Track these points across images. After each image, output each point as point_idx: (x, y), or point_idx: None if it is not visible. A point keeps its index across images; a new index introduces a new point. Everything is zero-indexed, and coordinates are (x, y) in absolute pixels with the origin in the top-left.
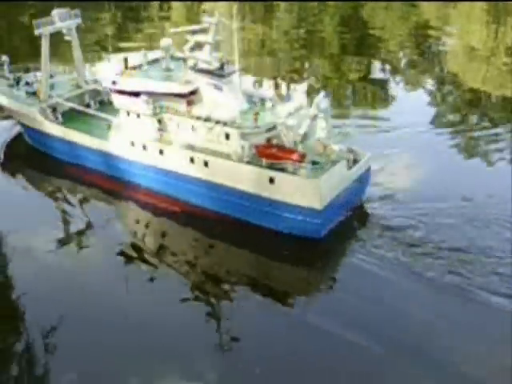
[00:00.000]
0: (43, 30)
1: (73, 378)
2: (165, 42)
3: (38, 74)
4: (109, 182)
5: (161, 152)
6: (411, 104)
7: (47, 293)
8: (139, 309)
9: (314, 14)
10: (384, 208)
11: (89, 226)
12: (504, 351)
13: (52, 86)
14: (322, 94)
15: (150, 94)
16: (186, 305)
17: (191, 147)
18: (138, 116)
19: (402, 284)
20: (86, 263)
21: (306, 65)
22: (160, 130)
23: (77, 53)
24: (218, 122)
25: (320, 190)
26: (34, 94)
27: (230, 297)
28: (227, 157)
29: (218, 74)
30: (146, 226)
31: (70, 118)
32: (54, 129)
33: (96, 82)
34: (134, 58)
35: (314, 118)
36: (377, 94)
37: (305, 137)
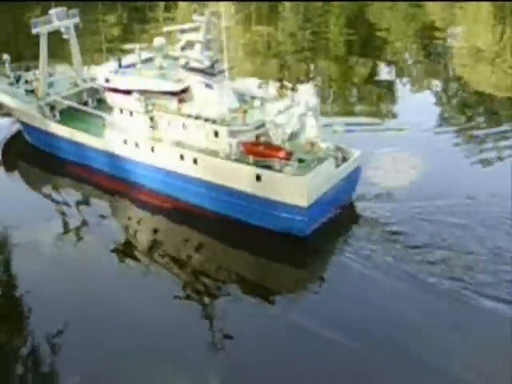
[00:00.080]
0: (40, 29)
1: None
2: (158, 41)
3: (38, 72)
4: (104, 180)
5: (152, 149)
6: (416, 104)
7: (50, 292)
8: (137, 308)
9: (319, 14)
10: (375, 207)
11: (83, 222)
12: (484, 350)
13: (51, 84)
14: (311, 91)
15: (141, 91)
16: (174, 303)
17: (181, 145)
18: (131, 114)
19: (388, 283)
20: (81, 261)
21: (312, 66)
22: (151, 127)
23: (75, 51)
24: (207, 120)
25: (306, 187)
26: (33, 91)
27: (217, 295)
28: (216, 154)
29: (209, 72)
30: (138, 223)
31: (67, 115)
32: (51, 126)
33: (94, 80)
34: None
35: (303, 116)
36: (382, 95)
37: (294, 135)
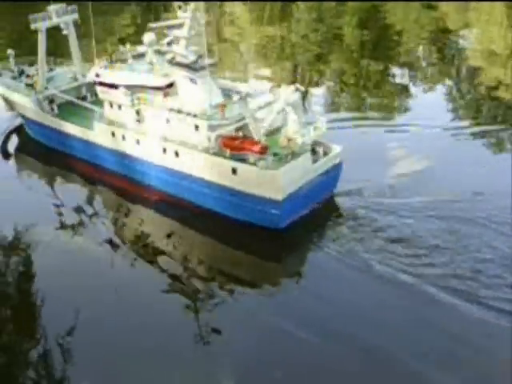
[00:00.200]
0: (39, 25)
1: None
2: (148, 36)
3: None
4: (94, 171)
5: (137, 142)
6: (428, 104)
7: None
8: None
9: (332, 14)
10: (355, 202)
11: (76, 216)
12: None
13: (51, 79)
14: (292, 88)
15: (129, 86)
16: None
17: (165, 138)
18: (119, 107)
19: (363, 280)
20: (75, 252)
21: (325, 67)
22: (138, 121)
23: (74, 47)
24: (188, 114)
25: (279, 181)
26: (32, 85)
27: (192, 289)
28: (196, 147)
29: (193, 67)
30: (126, 215)
31: (66, 109)
32: (47, 119)
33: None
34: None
35: (281, 111)
36: (395, 95)
37: (276, 130)
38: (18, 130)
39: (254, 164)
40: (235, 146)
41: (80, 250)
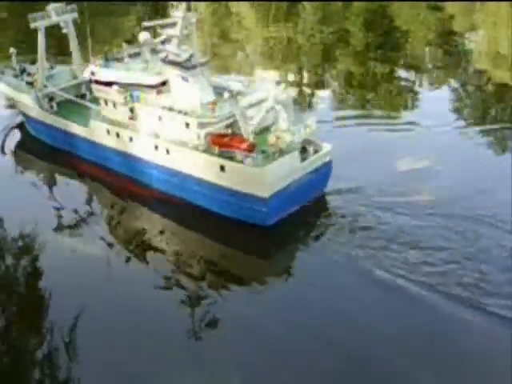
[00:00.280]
0: (38, 24)
1: None
2: (143, 35)
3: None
4: (91, 168)
5: (130, 139)
6: (433, 104)
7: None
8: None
9: (338, 14)
10: (347, 201)
11: (71, 213)
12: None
13: (52, 77)
14: (281, 86)
15: (123, 84)
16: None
17: (157, 135)
18: (114, 105)
19: (349, 280)
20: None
21: (331, 66)
22: (131, 118)
23: (73, 45)
24: (180, 112)
25: (265, 178)
26: (32, 83)
27: (180, 284)
28: (187, 145)
29: (185, 65)
30: (120, 213)
31: (65, 107)
32: (45, 116)
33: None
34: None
35: (271, 109)
36: (400, 95)
37: (267, 128)
38: (20, 127)
39: (242, 161)
40: (224, 143)
41: (74, 249)
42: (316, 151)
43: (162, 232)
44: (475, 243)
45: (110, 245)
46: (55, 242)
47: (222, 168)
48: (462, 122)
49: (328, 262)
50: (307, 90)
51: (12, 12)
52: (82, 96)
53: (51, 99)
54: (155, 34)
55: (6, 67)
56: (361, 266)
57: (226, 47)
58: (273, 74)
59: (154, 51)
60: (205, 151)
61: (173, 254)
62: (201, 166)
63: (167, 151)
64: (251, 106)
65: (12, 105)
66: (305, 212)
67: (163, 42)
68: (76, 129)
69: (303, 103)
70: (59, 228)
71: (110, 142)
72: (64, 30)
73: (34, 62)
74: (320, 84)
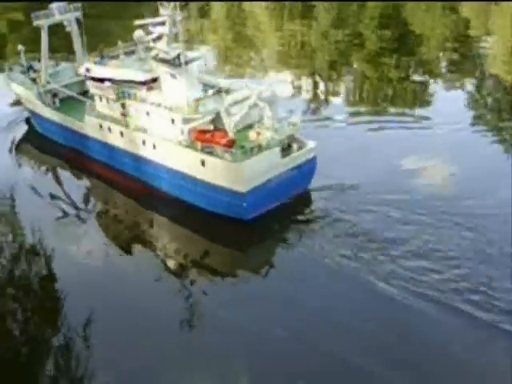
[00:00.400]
0: (41, 22)
1: None
2: (137, 33)
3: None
4: (86, 162)
5: (121, 134)
6: (448, 104)
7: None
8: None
9: (353, 14)
10: (331, 198)
11: (59, 203)
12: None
13: (57, 74)
14: (266, 84)
15: (116, 81)
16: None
17: (145, 130)
18: (108, 101)
19: (325, 278)
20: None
21: (345, 66)
22: (123, 114)
23: (77, 43)
24: (166, 108)
25: (242, 173)
26: (35, 80)
27: (167, 278)
28: (171, 140)
29: (174, 63)
30: (115, 207)
31: (67, 103)
32: (46, 112)
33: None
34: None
35: (254, 106)
36: (414, 94)
37: (251, 125)
38: (27, 122)
39: (221, 157)
40: (205, 138)
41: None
42: (300, 148)
43: (149, 226)
44: (452, 239)
45: (99, 235)
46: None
47: (203, 163)
48: (474, 122)
49: (306, 257)
50: (321, 92)
51: (27, 13)
52: (85, 92)
53: (54, 95)
54: (148, 33)
55: (14, 64)
56: (338, 262)
57: (240, 48)
58: (286, 75)
59: (148, 49)
60: (188, 146)
61: (159, 248)
62: (184, 161)
63: (154, 146)
64: (236, 103)
65: (19, 101)
66: (287, 208)
67: (155, 40)
68: (73, 123)
69: (317, 103)
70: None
71: (102, 136)
72: (68, 29)
73: (40, 59)
74: (333, 85)
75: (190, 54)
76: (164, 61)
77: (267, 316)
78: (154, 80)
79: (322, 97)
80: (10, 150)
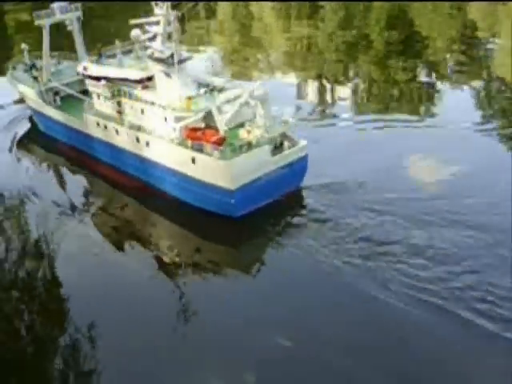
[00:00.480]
0: (42, 22)
1: None
2: (134, 32)
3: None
4: (83, 158)
5: (116, 131)
6: (454, 104)
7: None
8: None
9: (359, 15)
10: (322, 197)
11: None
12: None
13: (59, 72)
14: (258, 83)
15: (110, 79)
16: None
17: (139, 128)
18: (104, 99)
19: (311, 276)
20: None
21: (352, 66)
22: (118, 112)
23: (78, 42)
24: (160, 106)
25: (231, 171)
26: (36, 78)
27: (152, 273)
28: (164, 138)
29: (167, 62)
30: (109, 202)
31: (68, 101)
32: (47, 109)
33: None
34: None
35: (245, 104)
36: (421, 94)
37: (243, 123)
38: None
39: (210, 154)
40: (196, 136)
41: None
42: (292, 146)
43: (142, 223)
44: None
45: (94, 230)
46: None
47: (193, 160)
48: (480, 122)
49: (294, 254)
50: (327, 92)
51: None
52: (86, 91)
53: (56, 93)
54: (145, 32)
55: (18, 63)
56: (323, 260)
57: (247, 49)
58: (292, 77)
59: (145, 48)
60: (179, 144)
61: (152, 245)
62: (176, 159)
63: (147, 143)
64: (228, 101)
65: (22, 98)
66: (278, 206)
67: (150, 39)
68: (73, 122)
69: (323, 104)
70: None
71: (99, 134)
72: (69, 28)
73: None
74: (339, 86)
75: (184, 54)
76: (158, 59)
77: (250, 313)
78: (149, 78)
79: (328, 97)
80: (11, 147)
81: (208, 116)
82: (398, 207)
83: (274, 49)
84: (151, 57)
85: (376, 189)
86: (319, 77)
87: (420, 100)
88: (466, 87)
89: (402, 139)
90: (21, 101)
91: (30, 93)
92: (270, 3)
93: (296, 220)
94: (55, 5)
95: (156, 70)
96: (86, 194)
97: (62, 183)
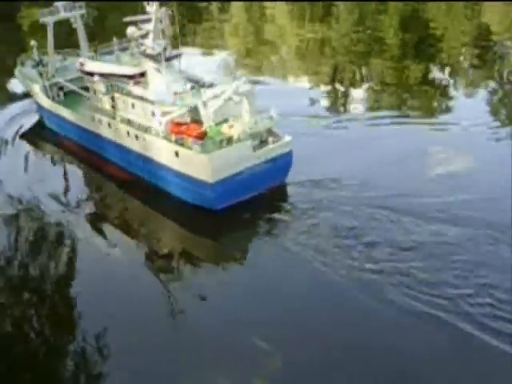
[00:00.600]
0: (47, 19)
1: None
2: (130, 30)
3: (56, 57)
4: (81, 153)
5: (109, 125)
6: (468, 105)
7: None
8: None
9: (373, 15)
10: (307, 192)
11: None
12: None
13: (64, 68)
14: (243, 79)
15: (104, 74)
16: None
17: (129, 122)
18: (100, 94)
19: (294, 271)
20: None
21: (365, 66)
22: (113, 106)
23: (82, 39)
24: (148, 101)
25: (210, 164)
26: (41, 74)
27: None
28: (151, 132)
29: (158, 58)
30: (105, 197)
31: (71, 97)
32: (49, 104)
33: None
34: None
35: (228, 100)
36: (434, 95)
37: (228, 118)
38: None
39: (190, 148)
40: (179, 131)
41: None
42: (276, 142)
43: (129, 214)
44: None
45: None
46: None
47: (177, 154)
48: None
49: (273, 247)
50: (340, 92)
51: None
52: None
53: (60, 89)
54: (139, 29)
55: (26, 59)
56: (304, 255)
57: (261, 48)
58: (304, 81)
59: (139, 45)
60: (165, 138)
61: (144, 235)
62: (161, 152)
63: (136, 137)
64: (215, 97)
65: (29, 93)
66: (262, 200)
67: (143, 37)
68: (71, 116)
69: (337, 104)
70: None
71: (96, 128)
72: (74, 25)
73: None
74: (354, 85)
75: (174, 51)
76: (149, 56)
77: (230, 306)
78: (142, 74)
79: (342, 97)
80: (14, 140)
81: (194, 111)
82: (396, 204)
83: (288, 50)
84: (143, 53)
85: (376, 187)
86: (333, 78)
87: (434, 100)
88: (484, 90)
89: (412, 136)
90: (28, 95)
91: (34, 88)
92: (284, 4)
93: (278, 214)
94: (59, 3)
95: (148, 66)
96: (76, 184)
97: (55, 175)
